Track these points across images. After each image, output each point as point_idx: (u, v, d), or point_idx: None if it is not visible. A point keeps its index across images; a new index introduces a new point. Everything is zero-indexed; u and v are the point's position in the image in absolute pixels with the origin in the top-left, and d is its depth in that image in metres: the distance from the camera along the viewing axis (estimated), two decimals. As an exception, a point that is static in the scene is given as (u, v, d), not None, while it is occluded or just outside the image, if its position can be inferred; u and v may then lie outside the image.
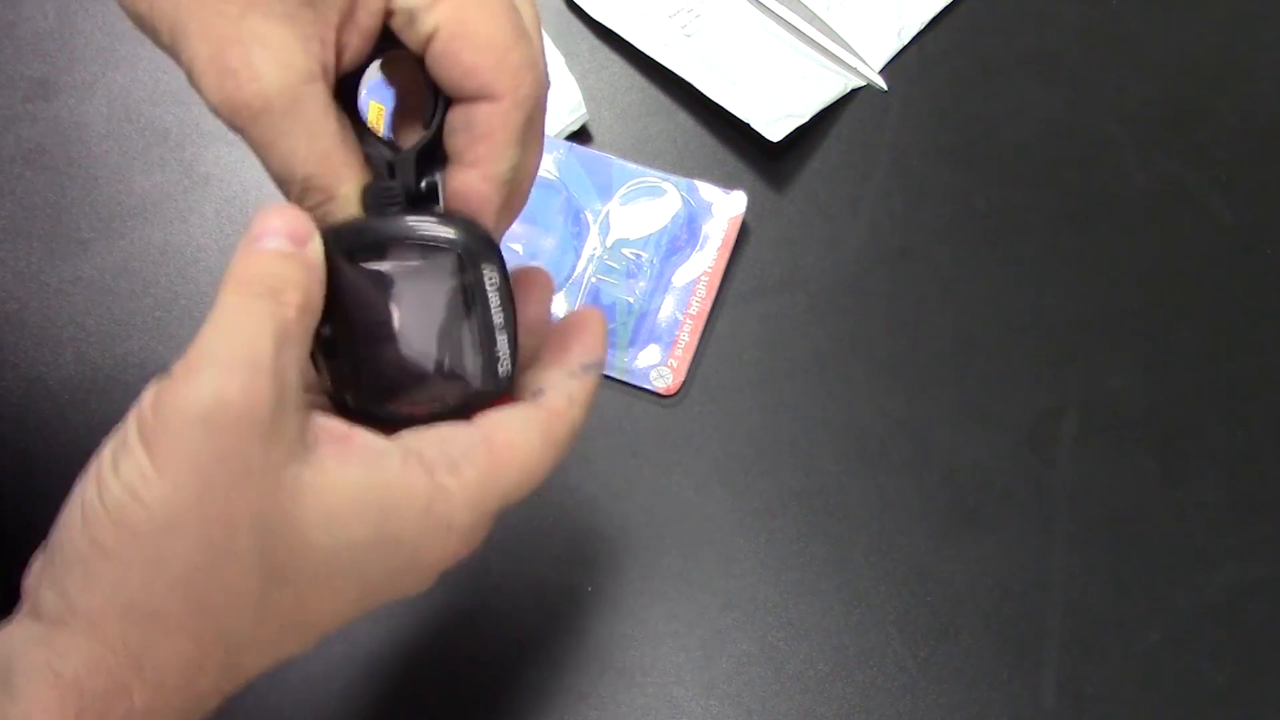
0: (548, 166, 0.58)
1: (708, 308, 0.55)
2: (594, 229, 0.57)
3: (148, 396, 0.29)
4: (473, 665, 0.48)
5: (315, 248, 0.32)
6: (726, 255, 0.56)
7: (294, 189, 0.32)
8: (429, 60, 0.32)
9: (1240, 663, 0.48)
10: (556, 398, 0.35)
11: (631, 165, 0.58)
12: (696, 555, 0.50)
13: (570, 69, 0.60)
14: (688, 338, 0.55)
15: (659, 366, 0.54)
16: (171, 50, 0.31)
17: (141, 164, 0.59)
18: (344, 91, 0.34)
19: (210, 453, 0.28)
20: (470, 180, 0.33)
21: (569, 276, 0.56)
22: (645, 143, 0.60)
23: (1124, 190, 0.59)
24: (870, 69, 0.62)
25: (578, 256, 0.56)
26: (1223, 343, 0.55)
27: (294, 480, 0.29)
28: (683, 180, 0.58)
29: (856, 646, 0.49)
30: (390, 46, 0.33)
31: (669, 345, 0.54)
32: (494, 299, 0.33)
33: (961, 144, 0.60)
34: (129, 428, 0.29)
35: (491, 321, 0.34)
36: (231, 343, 0.29)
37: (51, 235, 0.57)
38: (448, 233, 0.33)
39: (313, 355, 0.33)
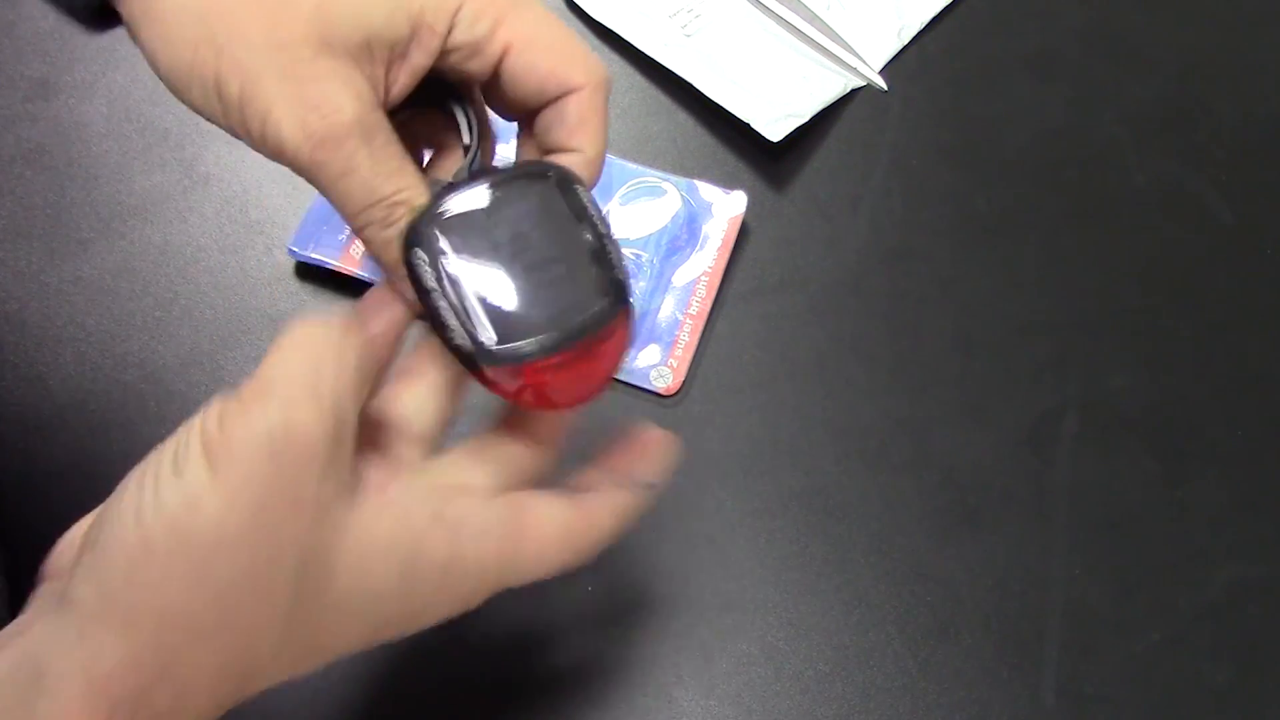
0: (548, 166, 0.58)
1: (708, 308, 0.55)
2: (594, 229, 0.57)
3: (213, 411, 0.30)
4: (473, 665, 0.48)
5: (399, 321, 0.35)
6: (726, 255, 0.56)
7: (378, 210, 0.34)
8: (505, 77, 0.36)
9: (1240, 663, 0.48)
10: (599, 504, 0.36)
11: (631, 165, 0.58)
12: (696, 555, 0.50)
13: (570, 69, 0.60)
14: (688, 338, 0.55)
15: (659, 366, 0.54)
16: (239, 102, 0.32)
17: (141, 164, 0.59)
18: None
19: (270, 477, 0.29)
20: (576, 163, 0.37)
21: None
22: (645, 143, 0.60)
23: (1124, 190, 0.59)
24: (870, 69, 0.62)
25: (578, 256, 0.56)
26: (1223, 343, 0.55)
27: (338, 518, 0.31)
28: (683, 180, 0.58)
29: (856, 646, 0.49)
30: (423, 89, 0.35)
31: (669, 345, 0.54)
32: (595, 213, 0.35)
33: (961, 144, 0.60)
34: (191, 437, 0.30)
35: (602, 234, 0.35)
36: (303, 374, 0.31)
37: (51, 235, 0.57)
38: (538, 167, 0.35)
39: (441, 324, 0.34)
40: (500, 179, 0.34)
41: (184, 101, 0.34)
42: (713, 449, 0.53)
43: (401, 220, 0.34)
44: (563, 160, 0.37)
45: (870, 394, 0.54)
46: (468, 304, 0.33)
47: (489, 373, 0.34)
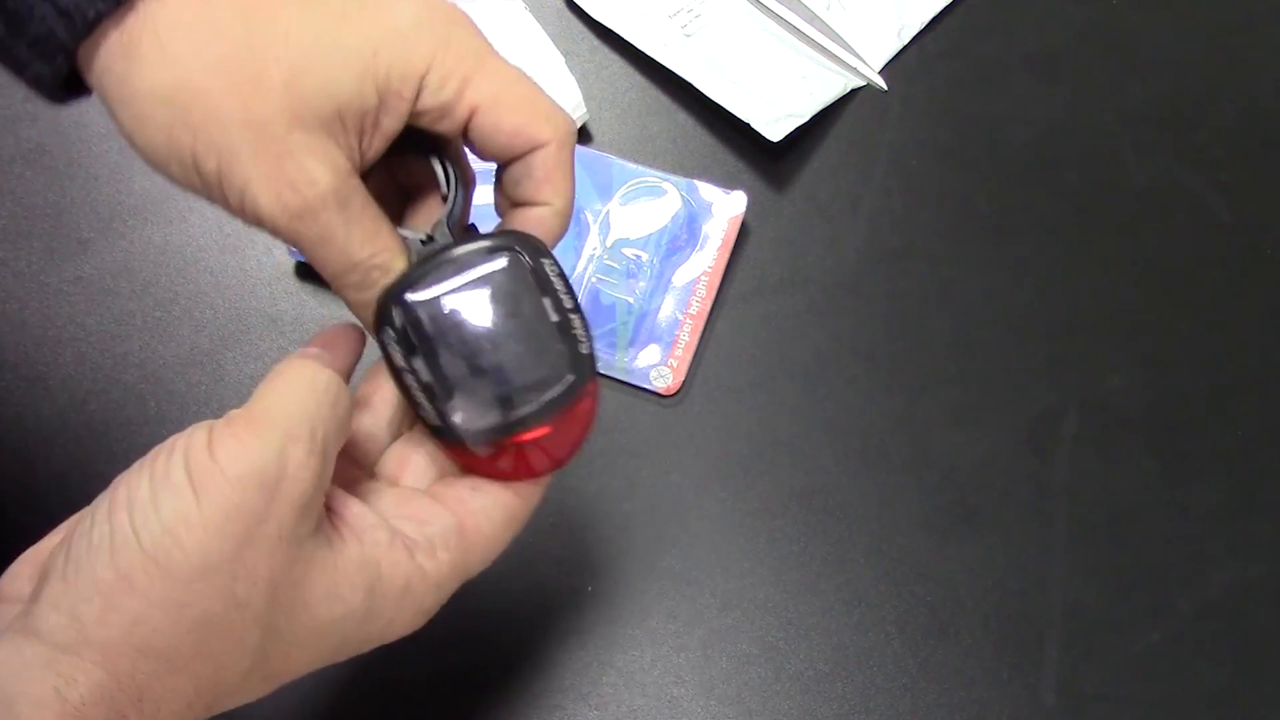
0: (548, 166, 0.58)
1: (708, 308, 0.55)
2: (594, 229, 0.57)
3: (200, 438, 0.30)
4: (472, 665, 0.48)
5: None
6: (726, 255, 0.56)
7: (355, 274, 0.35)
8: (473, 135, 0.36)
9: (1240, 663, 0.48)
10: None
11: (631, 165, 0.58)
12: (696, 555, 0.50)
13: (570, 69, 0.60)
14: (688, 338, 0.55)
15: (659, 366, 0.54)
16: (217, 178, 0.33)
17: (141, 164, 0.59)
18: None
19: (256, 513, 0.30)
20: (544, 216, 0.37)
21: (569, 277, 0.56)
22: (645, 143, 0.60)
23: (1124, 190, 0.59)
24: (870, 69, 0.62)
25: (578, 256, 0.56)
26: (1223, 343, 0.55)
27: (311, 553, 0.31)
28: (683, 180, 0.58)
29: (856, 646, 0.49)
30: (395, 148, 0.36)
31: (669, 345, 0.54)
32: (562, 286, 0.36)
33: (961, 144, 0.60)
34: (174, 464, 0.30)
35: (567, 308, 0.36)
36: (301, 413, 0.32)
37: (51, 235, 0.57)
38: (507, 240, 0.36)
39: (413, 401, 0.35)
40: (469, 255, 0.35)
41: (164, 176, 0.34)
42: (713, 449, 0.53)
43: (378, 284, 0.35)
44: (532, 213, 0.37)
45: (870, 394, 0.54)
46: (436, 384, 0.35)
47: (458, 448, 0.36)
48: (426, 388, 0.35)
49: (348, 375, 0.36)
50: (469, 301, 0.35)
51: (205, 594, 0.29)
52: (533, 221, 0.37)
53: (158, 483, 0.30)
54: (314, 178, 0.33)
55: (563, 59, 0.60)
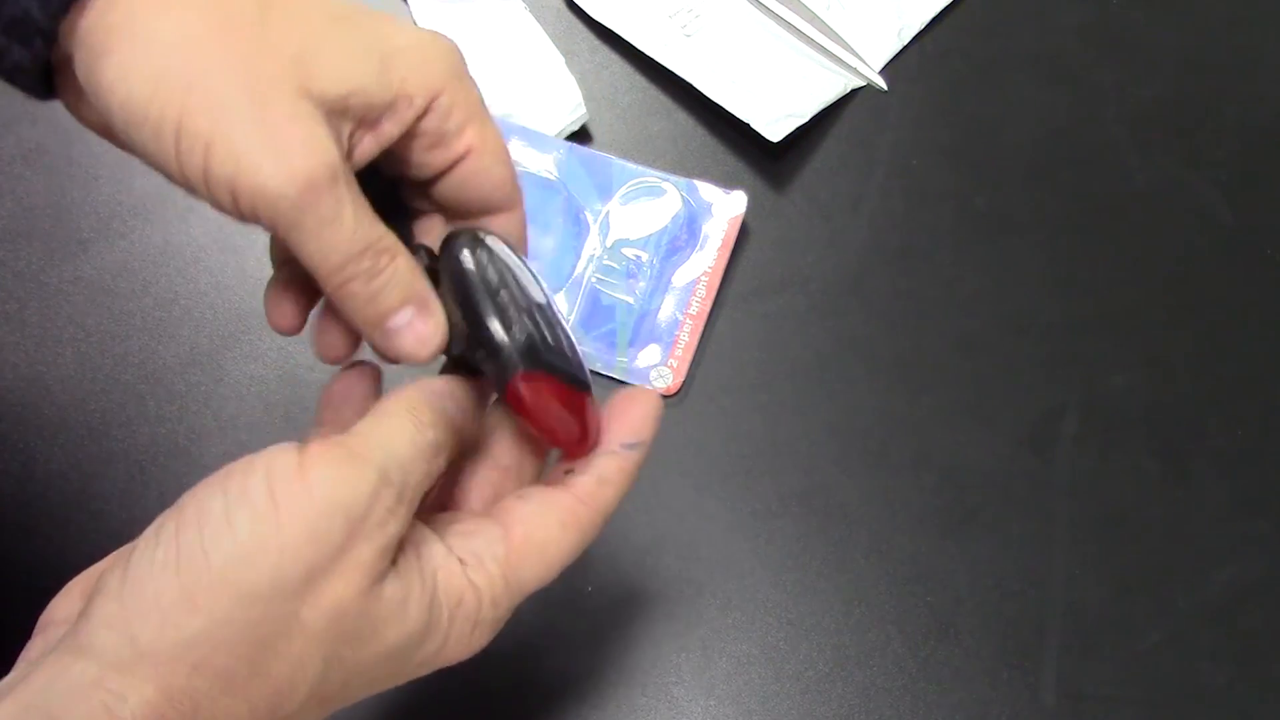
0: (548, 166, 0.58)
1: (708, 308, 0.55)
2: (594, 229, 0.57)
3: (287, 458, 0.29)
4: (472, 665, 0.48)
5: (466, 431, 0.34)
6: (726, 255, 0.56)
7: (366, 259, 0.33)
8: (458, 175, 0.35)
9: (1240, 663, 0.48)
10: (586, 480, 0.35)
11: (631, 165, 0.58)
12: (696, 555, 0.50)
13: (570, 69, 0.60)
14: (688, 338, 0.55)
15: (659, 366, 0.54)
16: (206, 144, 0.30)
17: (141, 164, 0.59)
18: None
19: (335, 542, 0.29)
20: None
21: (569, 277, 0.56)
22: (645, 143, 0.60)
23: (1124, 190, 0.59)
24: (870, 69, 0.62)
25: (578, 257, 0.56)
26: (1223, 343, 0.55)
27: (381, 583, 0.30)
28: (683, 180, 0.58)
29: (856, 646, 0.49)
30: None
31: (669, 345, 0.54)
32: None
33: (961, 144, 0.60)
34: (252, 483, 0.29)
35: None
36: (398, 463, 0.31)
37: (51, 235, 0.57)
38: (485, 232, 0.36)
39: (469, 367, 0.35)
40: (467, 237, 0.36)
41: (127, 141, 0.32)
42: (713, 449, 0.53)
43: (386, 271, 0.33)
44: None
45: (870, 394, 0.54)
46: (499, 314, 0.34)
47: (523, 374, 0.34)
48: (507, 305, 0.34)
49: (455, 434, 0.35)
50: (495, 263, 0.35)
51: (271, 617, 0.28)
52: None
53: (233, 501, 0.29)
54: (326, 146, 0.31)
55: (563, 59, 0.60)
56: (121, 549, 0.31)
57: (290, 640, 0.29)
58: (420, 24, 0.61)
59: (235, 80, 0.30)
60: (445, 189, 0.36)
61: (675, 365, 0.54)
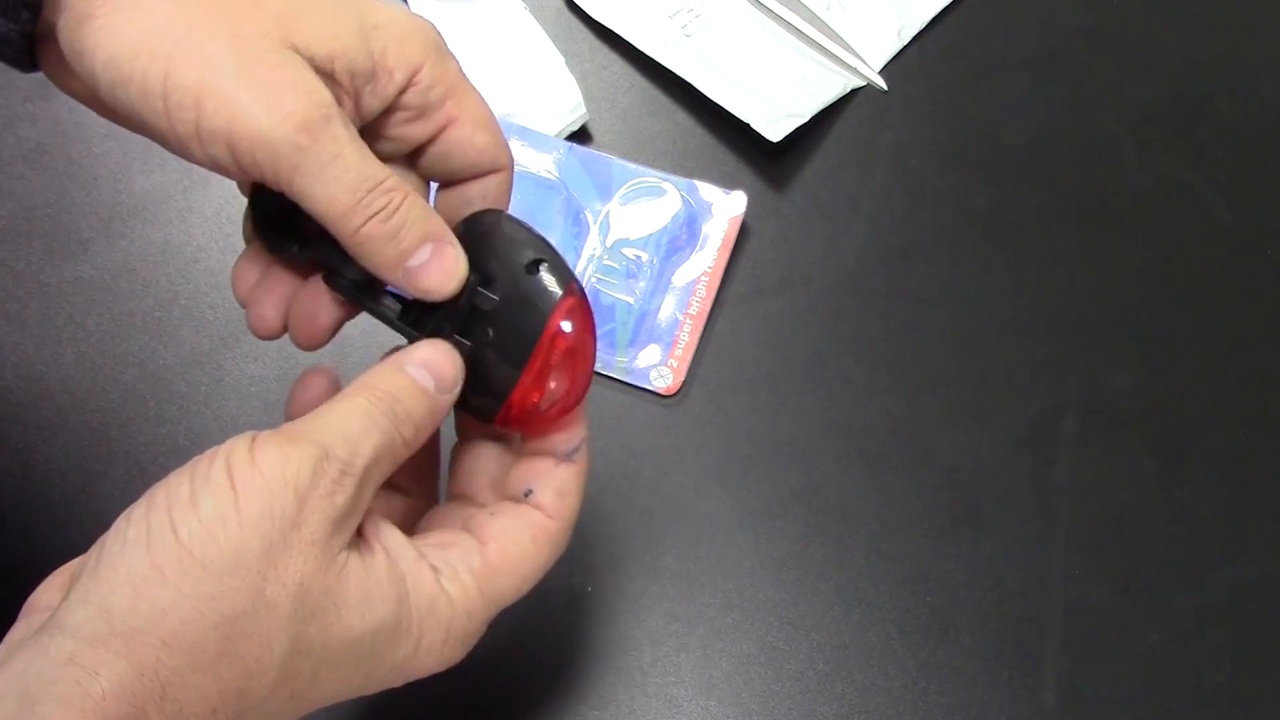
0: (548, 166, 0.58)
1: (708, 308, 0.55)
2: (594, 229, 0.57)
3: (242, 444, 0.31)
4: (472, 665, 0.48)
5: (449, 399, 0.35)
6: (726, 255, 0.56)
7: (378, 197, 0.33)
8: (441, 146, 0.36)
9: (1240, 663, 0.48)
10: (544, 495, 0.37)
11: (631, 165, 0.58)
12: (696, 555, 0.50)
13: (570, 69, 0.60)
14: (688, 338, 0.55)
15: (659, 366, 0.54)
16: (196, 97, 0.30)
17: (141, 164, 0.59)
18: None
19: (289, 517, 0.30)
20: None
21: (569, 276, 0.56)
22: (645, 143, 0.60)
23: (1124, 190, 0.59)
24: (870, 69, 0.62)
25: (578, 257, 0.56)
26: (1223, 343, 0.55)
27: (343, 565, 0.32)
28: (683, 180, 0.58)
29: (856, 646, 0.49)
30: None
31: (669, 345, 0.54)
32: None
33: (961, 144, 0.60)
34: (215, 467, 0.30)
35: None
36: (344, 439, 0.32)
37: (51, 235, 0.57)
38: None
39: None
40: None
41: (114, 104, 0.32)
42: (713, 449, 0.53)
43: (401, 209, 0.33)
44: None
45: (870, 394, 0.54)
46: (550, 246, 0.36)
47: (563, 306, 0.36)
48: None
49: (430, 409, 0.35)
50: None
51: (235, 589, 0.29)
52: None
53: (198, 484, 0.30)
54: (317, 87, 0.31)
55: (563, 59, 0.60)
56: (100, 539, 0.31)
57: (257, 617, 0.29)
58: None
59: (220, 35, 0.30)
60: (429, 160, 0.37)
61: (675, 365, 0.54)
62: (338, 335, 0.37)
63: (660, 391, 0.54)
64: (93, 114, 0.35)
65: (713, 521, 0.51)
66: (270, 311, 0.36)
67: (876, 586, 0.50)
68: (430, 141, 0.36)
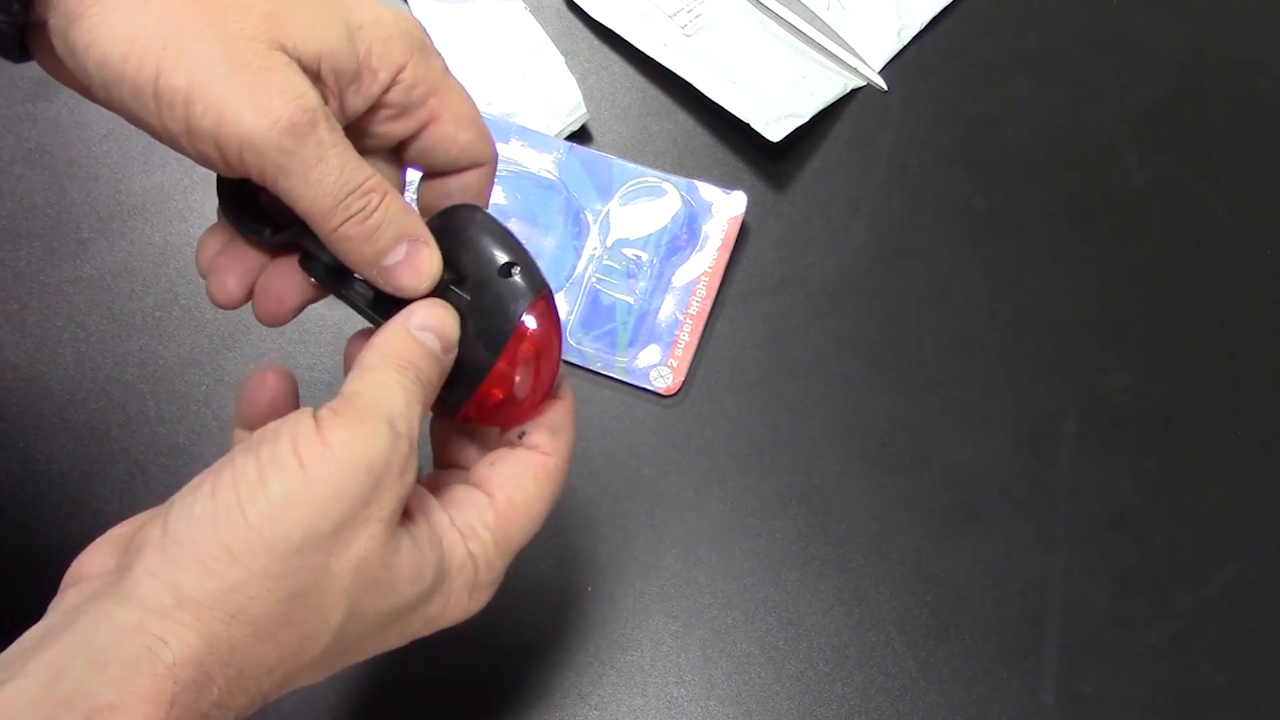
0: (547, 166, 0.58)
1: (708, 308, 0.55)
2: (594, 229, 0.57)
3: (307, 424, 0.31)
4: (473, 665, 0.48)
5: (451, 359, 0.36)
6: (726, 255, 0.56)
7: (358, 199, 0.34)
8: (424, 142, 0.36)
9: (1240, 663, 0.48)
10: (538, 436, 0.37)
11: (631, 165, 0.58)
12: (696, 555, 0.50)
13: (570, 69, 0.60)
14: (688, 338, 0.55)
15: (659, 366, 0.54)
16: (186, 97, 0.31)
17: (141, 164, 0.59)
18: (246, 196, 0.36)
19: (360, 495, 0.31)
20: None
21: (569, 277, 0.56)
22: (645, 143, 0.60)
23: (1124, 190, 0.59)
24: (870, 69, 0.62)
25: (578, 257, 0.56)
26: (1223, 343, 0.55)
27: (400, 538, 0.33)
28: (683, 180, 0.58)
29: (856, 646, 0.49)
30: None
31: (669, 345, 0.54)
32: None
33: (961, 144, 0.60)
34: (281, 447, 0.31)
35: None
36: (400, 414, 0.33)
37: (51, 235, 0.57)
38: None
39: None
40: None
41: (107, 100, 0.32)
42: (713, 449, 0.53)
43: (379, 210, 0.34)
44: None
45: (870, 394, 0.54)
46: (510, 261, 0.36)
47: (534, 309, 0.36)
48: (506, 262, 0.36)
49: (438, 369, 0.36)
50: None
51: (303, 568, 0.30)
52: None
53: (265, 464, 0.30)
54: (304, 90, 0.32)
55: (563, 59, 0.60)
56: (154, 510, 0.32)
57: (320, 591, 0.31)
58: (420, 24, 0.61)
59: (208, 36, 0.31)
60: (413, 154, 0.37)
61: (675, 365, 0.54)
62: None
63: (660, 391, 0.54)
64: (93, 114, 0.36)
65: (713, 521, 0.51)
66: (232, 282, 0.37)
67: (876, 586, 0.50)
68: (413, 137, 0.37)
